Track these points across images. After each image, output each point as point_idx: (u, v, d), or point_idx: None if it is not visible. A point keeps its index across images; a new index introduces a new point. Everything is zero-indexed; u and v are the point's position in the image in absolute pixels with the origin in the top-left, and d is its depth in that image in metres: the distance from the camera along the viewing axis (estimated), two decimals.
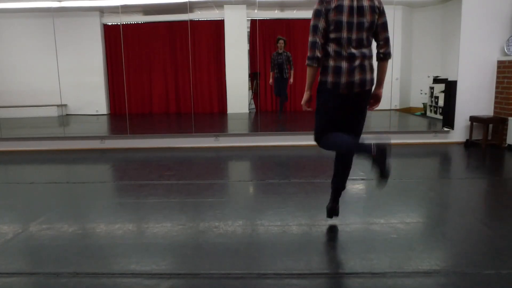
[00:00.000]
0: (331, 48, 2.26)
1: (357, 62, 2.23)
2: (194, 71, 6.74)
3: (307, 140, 5.56)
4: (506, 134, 5.20)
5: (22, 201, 3.44)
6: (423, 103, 6.71)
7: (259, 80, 6.98)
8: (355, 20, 2.20)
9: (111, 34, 6.96)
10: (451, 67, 5.71)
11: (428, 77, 6.55)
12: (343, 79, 2.24)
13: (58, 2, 5.93)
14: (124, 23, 6.76)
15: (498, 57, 5.42)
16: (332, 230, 2.63)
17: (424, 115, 6.67)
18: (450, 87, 5.66)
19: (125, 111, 6.24)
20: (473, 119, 5.45)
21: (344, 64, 2.23)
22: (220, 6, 6.76)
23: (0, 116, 6.26)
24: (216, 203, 3.20)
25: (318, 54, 2.27)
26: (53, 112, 6.67)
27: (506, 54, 5.33)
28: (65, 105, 6.72)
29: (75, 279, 2.06)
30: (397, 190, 3.51)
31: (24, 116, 6.70)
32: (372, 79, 2.32)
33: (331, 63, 2.26)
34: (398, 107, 6.56)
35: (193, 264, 2.21)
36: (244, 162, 5.07)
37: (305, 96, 2.43)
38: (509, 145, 5.12)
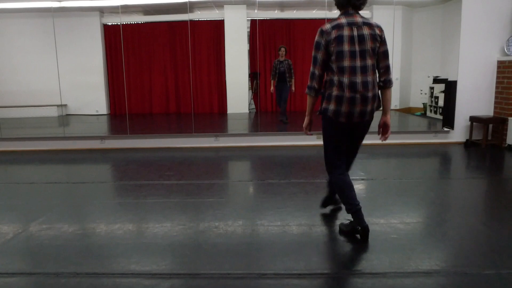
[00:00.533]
0: (335, 77, 2.29)
1: (360, 92, 2.26)
2: (194, 71, 6.74)
3: (307, 140, 5.56)
4: (506, 134, 5.20)
5: (22, 201, 3.44)
6: (423, 103, 6.71)
7: (259, 80, 6.99)
8: (357, 48, 2.24)
9: (111, 34, 6.96)
10: (451, 67, 5.71)
11: (428, 77, 6.55)
12: (344, 108, 2.29)
13: (58, 2, 5.93)
14: (124, 23, 6.76)
15: (498, 57, 5.42)
16: (332, 230, 2.63)
17: (424, 115, 6.67)
18: (450, 87, 5.66)
19: (125, 111, 6.24)
20: (473, 119, 5.45)
21: (346, 95, 2.26)
22: (220, 6, 6.76)
23: (0, 116, 6.27)
24: (216, 203, 3.20)
25: (315, 84, 2.36)
26: (53, 112, 6.67)
27: (506, 54, 5.33)
28: (65, 105, 6.72)
29: (75, 279, 2.06)
30: (397, 190, 3.51)
31: (24, 116, 6.71)
32: (372, 110, 2.35)
33: (335, 92, 2.30)
34: (398, 107, 6.56)
35: (193, 264, 2.21)
36: (244, 162, 5.07)
37: (306, 121, 2.58)
38: (509, 145, 5.12)
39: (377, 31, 2.27)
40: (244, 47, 6.77)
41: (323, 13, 5.84)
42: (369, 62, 2.26)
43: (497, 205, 3.17)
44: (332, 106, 2.32)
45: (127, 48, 6.81)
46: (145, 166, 4.64)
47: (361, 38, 2.24)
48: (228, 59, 6.83)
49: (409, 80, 6.72)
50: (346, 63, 2.24)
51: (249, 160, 5.06)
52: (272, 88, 6.73)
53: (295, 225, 2.73)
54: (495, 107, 5.51)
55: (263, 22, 6.82)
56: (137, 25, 7.22)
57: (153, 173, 4.28)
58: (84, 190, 3.71)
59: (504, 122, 5.22)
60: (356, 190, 3.53)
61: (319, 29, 2.29)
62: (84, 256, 2.32)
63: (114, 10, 6.60)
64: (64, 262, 2.25)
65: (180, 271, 2.14)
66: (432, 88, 6.45)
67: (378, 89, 2.37)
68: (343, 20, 2.27)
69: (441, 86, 6.11)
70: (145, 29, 7.25)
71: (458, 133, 5.65)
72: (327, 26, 2.28)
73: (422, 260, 2.18)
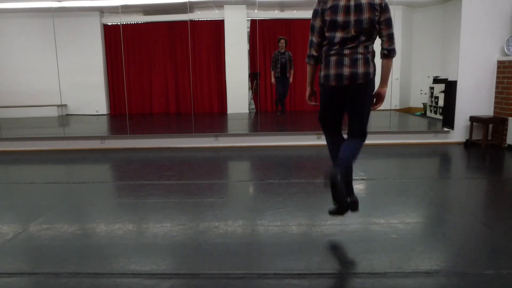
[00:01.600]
0: (326, 46, 2.33)
1: (347, 54, 2.25)
2: (194, 71, 6.74)
3: (307, 140, 5.56)
4: (506, 134, 5.20)
5: (22, 201, 3.44)
6: (423, 103, 6.71)
7: (259, 80, 6.98)
8: (352, 18, 2.22)
9: (111, 34, 6.96)
10: (451, 67, 5.71)
11: (428, 77, 6.55)
12: (332, 71, 2.29)
13: (58, 2, 5.93)
14: (124, 23, 6.76)
15: (498, 57, 5.42)
16: (332, 230, 2.63)
17: (424, 115, 6.67)
18: (450, 87, 5.66)
19: (125, 111, 6.24)
20: (473, 119, 5.45)
21: (333, 58, 2.29)
22: (220, 6, 6.76)
23: (0, 116, 6.26)
24: (216, 203, 3.20)
25: (313, 52, 2.38)
26: (53, 112, 6.67)
27: (506, 54, 5.33)
28: (65, 105, 6.72)
29: (75, 279, 2.06)
30: (397, 190, 3.51)
31: (24, 116, 6.70)
32: (366, 73, 2.27)
33: (323, 58, 2.36)
34: (398, 107, 6.56)
35: (193, 264, 2.21)
36: (244, 162, 5.07)
37: (307, 91, 2.58)
38: (509, 145, 5.12)
39: (377, 0, 2.23)
40: (244, 47, 6.77)
41: None
42: (364, 31, 2.24)
43: (497, 205, 3.17)
44: (322, 72, 2.36)
45: (127, 48, 6.81)
46: (145, 166, 4.64)
47: (358, 7, 2.22)
48: (228, 59, 6.83)
49: (409, 80, 6.71)
50: (338, 33, 2.26)
51: (249, 160, 5.06)
52: (272, 79, 6.71)
53: (295, 225, 2.73)
54: (495, 107, 5.50)
55: (263, 22, 6.82)
56: (137, 25, 7.22)
57: (153, 173, 4.28)
58: (84, 190, 3.71)
59: (504, 122, 5.22)
60: (356, 190, 3.54)
61: None
62: (84, 256, 2.32)
63: (114, 10, 6.59)
64: (64, 262, 2.25)
65: (180, 271, 2.14)
66: (432, 88, 6.45)
67: (381, 57, 2.35)
68: None
69: (441, 86, 6.11)
70: (145, 29, 7.25)
71: (458, 133, 5.65)
72: None
73: (422, 260, 2.18)
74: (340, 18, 2.23)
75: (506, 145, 5.19)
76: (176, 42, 7.11)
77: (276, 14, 7.07)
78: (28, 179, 4.15)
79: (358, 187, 3.61)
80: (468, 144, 5.48)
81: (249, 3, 6.49)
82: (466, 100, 5.52)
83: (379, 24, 2.28)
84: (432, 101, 6.48)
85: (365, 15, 2.22)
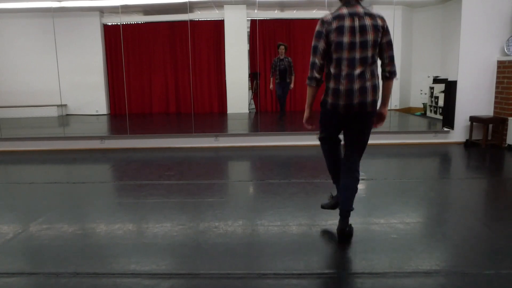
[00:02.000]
0: (332, 69, 2.27)
1: (357, 84, 2.23)
2: (194, 71, 6.74)
3: (307, 140, 5.56)
4: (506, 134, 5.20)
5: (22, 201, 3.44)
6: (423, 103, 6.71)
7: (259, 80, 6.99)
8: (357, 39, 2.20)
9: (111, 34, 6.96)
10: (451, 67, 5.71)
11: (428, 77, 6.55)
12: (341, 102, 2.26)
13: (58, 2, 5.93)
14: (124, 23, 6.76)
15: (498, 57, 5.42)
16: (332, 230, 2.62)
17: (424, 115, 6.67)
18: (450, 87, 5.66)
19: (125, 111, 6.24)
20: (473, 119, 5.45)
21: (342, 87, 2.23)
22: (220, 6, 6.76)
23: (0, 116, 6.26)
24: (216, 203, 3.20)
25: (316, 74, 2.30)
26: (53, 112, 6.67)
27: (506, 54, 5.33)
28: (65, 105, 6.72)
29: (75, 279, 2.06)
30: (397, 190, 3.51)
31: (24, 116, 6.70)
32: (374, 101, 2.28)
33: (331, 85, 2.28)
34: (398, 107, 6.56)
35: (193, 264, 2.21)
36: (244, 162, 5.07)
37: (306, 114, 2.49)
38: (509, 145, 5.12)
39: (379, 22, 2.22)
40: (244, 47, 6.77)
41: (323, 13, 5.84)
42: (369, 53, 2.22)
43: (497, 205, 3.17)
44: (330, 99, 2.30)
45: (127, 48, 6.81)
46: (145, 166, 4.64)
47: (363, 28, 2.20)
48: (228, 59, 6.83)
49: (409, 80, 6.72)
50: (345, 54, 2.21)
51: (249, 160, 5.06)
52: (271, 86, 6.72)
53: (295, 225, 2.73)
54: (495, 107, 5.50)
55: (263, 22, 6.82)
56: (137, 25, 7.22)
57: (153, 173, 4.28)
58: (84, 190, 3.71)
59: (504, 122, 5.22)
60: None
61: (320, 19, 2.27)
62: (84, 256, 2.32)
63: (114, 10, 6.60)
64: (64, 262, 2.25)
65: (180, 271, 2.14)
66: (432, 88, 6.45)
67: (382, 79, 2.35)
68: (345, 11, 2.23)
69: (441, 86, 6.11)
70: (145, 29, 7.25)
71: (458, 133, 5.65)
72: (328, 16, 2.25)
73: (422, 260, 2.18)
74: (346, 39, 2.20)
75: (506, 145, 5.19)
76: (176, 42, 7.11)
77: (276, 14, 7.07)
78: (28, 179, 4.15)
79: (358, 187, 3.61)
80: (468, 144, 5.48)
81: (249, 3, 6.49)
82: (466, 100, 5.52)
83: (381, 46, 2.26)
84: (432, 101, 6.48)
85: (370, 37, 2.21)
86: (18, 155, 5.48)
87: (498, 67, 5.43)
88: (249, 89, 6.95)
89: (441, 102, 6.13)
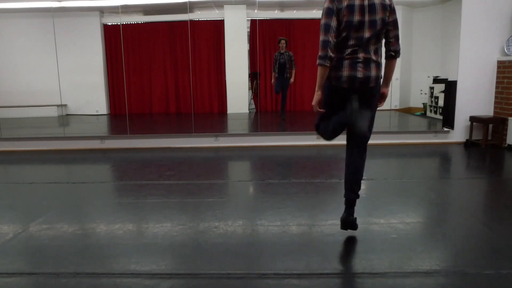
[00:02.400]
0: (338, 46, 2.25)
1: (361, 59, 2.22)
2: (194, 71, 6.74)
3: (307, 140, 5.56)
4: (506, 134, 5.20)
5: (22, 201, 3.44)
6: (423, 103, 6.71)
7: (259, 80, 6.99)
8: (366, 18, 2.19)
9: (111, 34, 6.96)
10: (451, 67, 5.71)
11: (428, 77, 6.55)
12: (345, 73, 2.23)
13: (58, 2, 5.93)
14: (124, 23, 6.76)
15: (498, 57, 5.42)
16: (332, 230, 2.62)
17: (424, 115, 6.67)
18: (450, 87, 5.66)
19: (125, 111, 6.24)
20: (473, 119, 5.45)
21: (347, 61, 2.22)
22: (220, 6, 6.76)
23: (0, 116, 6.26)
24: (216, 203, 3.20)
25: (330, 53, 2.21)
26: (53, 112, 6.67)
27: (506, 54, 5.33)
28: (65, 105, 6.72)
29: (75, 279, 2.06)
30: (397, 190, 3.51)
31: (24, 116, 6.70)
32: (377, 77, 2.28)
33: (335, 60, 2.25)
34: (398, 107, 6.56)
35: (193, 264, 2.21)
36: (244, 162, 5.07)
37: (316, 96, 2.33)
38: (509, 145, 5.12)
39: (387, 1, 2.22)
40: (244, 47, 6.77)
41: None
42: (377, 32, 2.22)
43: (497, 205, 3.17)
44: (334, 73, 2.26)
45: (127, 48, 6.81)
46: (145, 166, 4.64)
47: (372, 7, 2.18)
48: (228, 59, 6.83)
49: (409, 80, 6.72)
50: (353, 33, 2.20)
51: (249, 160, 5.06)
52: (272, 80, 6.70)
53: (295, 225, 2.73)
54: (495, 107, 5.50)
55: (263, 22, 6.82)
56: (137, 25, 7.22)
57: (153, 173, 4.28)
58: (84, 190, 3.71)
59: (504, 122, 5.22)
60: None
61: None
62: (84, 256, 2.32)
63: (114, 10, 6.60)
64: (64, 262, 2.25)
65: (180, 271, 2.14)
66: (432, 88, 6.45)
67: (386, 58, 2.35)
68: None
69: (441, 86, 6.11)
70: (145, 29, 7.25)
71: (458, 133, 5.65)
72: None
73: (422, 260, 2.18)
74: (356, 18, 2.18)
75: (506, 145, 5.19)
76: (176, 42, 7.11)
77: (276, 14, 7.07)
78: (28, 179, 4.15)
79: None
80: (468, 144, 5.48)
81: (249, 3, 6.49)
82: (466, 100, 5.52)
83: (387, 25, 2.26)
84: (432, 101, 6.48)
85: (378, 16, 2.20)
86: (18, 155, 5.48)
87: (498, 67, 5.43)
88: (249, 89, 6.95)
89: (441, 102, 6.13)
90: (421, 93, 6.71)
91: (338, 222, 2.74)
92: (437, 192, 3.48)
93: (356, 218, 2.47)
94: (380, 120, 6.28)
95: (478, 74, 5.49)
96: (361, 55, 2.23)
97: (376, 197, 3.31)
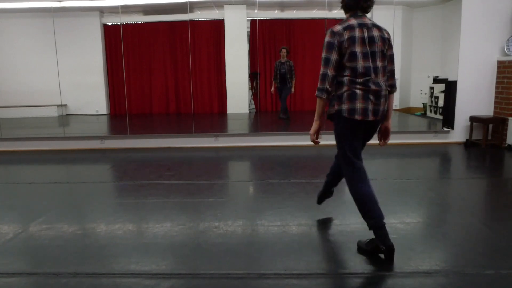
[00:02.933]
0: (347, 77, 2.23)
1: (374, 89, 2.22)
2: (194, 71, 6.74)
3: (307, 140, 5.54)
4: (506, 134, 5.20)
5: (22, 201, 3.44)
6: (423, 103, 6.71)
7: (259, 80, 6.99)
8: (368, 49, 2.22)
9: (111, 34, 6.96)
10: (451, 67, 5.71)
11: (428, 77, 6.55)
12: (359, 105, 2.21)
13: (58, 2, 5.93)
14: (124, 23, 6.76)
15: (498, 57, 5.42)
16: (332, 230, 2.63)
17: (424, 115, 6.67)
18: (450, 87, 5.66)
19: (125, 111, 6.24)
20: (473, 119, 5.45)
21: (359, 91, 2.20)
22: (220, 6, 6.76)
23: (0, 116, 6.27)
24: (216, 203, 3.20)
25: (328, 86, 2.22)
26: (53, 112, 6.67)
27: (506, 54, 5.33)
28: (65, 105, 6.72)
29: (75, 279, 2.06)
30: (397, 190, 3.51)
31: (24, 116, 6.70)
32: (384, 110, 2.31)
33: (347, 91, 2.22)
34: (398, 107, 6.56)
35: (193, 264, 2.21)
36: (244, 162, 5.07)
37: (314, 125, 2.36)
38: (509, 145, 5.12)
39: (386, 34, 2.28)
40: (244, 47, 6.77)
41: (323, 13, 5.84)
42: (379, 63, 2.25)
43: (497, 205, 3.17)
44: (345, 106, 2.22)
45: (127, 48, 6.81)
46: (145, 166, 4.64)
47: (371, 39, 2.22)
48: (228, 59, 6.83)
49: (409, 80, 6.72)
50: (360, 63, 2.20)
51: (249, 160, 5.06)
52: (272, 89, 6.74)
53: (295, 225, 2.73)
54: (495, 107, 5.51)
55: (263, 22, 6.82)
56: (137, 25, 7.22)
57: (153, 173, 4.29)
58: (84, 190, 3.71)
59: (504, 122, 5.22)
60: None
61: (329, 30, 2.24)
62: (84, 256, 2.32)
63: (114, 10, 6.60)
64: (64, 262, 2.25)
65: (180, 271, 2.14)
66: (432, 88, 6.45)
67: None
68: (354, 22, 2.24)
69: (441, 86, 6.11)
70: (145, 29, 7.25)
71: (458, 133, 5.65)
72: (338, 27, 2.23)
73: (422, 260, 2.18)
74: (358, 49, 2.20)
75: (506, 145, 5.19)
76: (176, 42, 7.11)
77: (276, 14, 7.07)
78: (28, 179, 4.15)
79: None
80: (468, 144, 5.48)
81: (249, 3, 6.49)
82: (466, 100, 5.52)
83: (386, 58, 2.29)
84: (432, 101, 6.48)
85: (378, 48, 2.24)
86: (18, 155, 5.48)
87: (498, 67, 5.43)
88: (249, 89, 6.95)
89: (441, 102, 6.13)
90: (421, 93, 6.71)
91: (338, 222, 2.75)
92: (437, 192, 3.48)
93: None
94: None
95: (478, 74, 5.49)
96: (371, 88, 2.22)
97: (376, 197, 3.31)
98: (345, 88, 2.23)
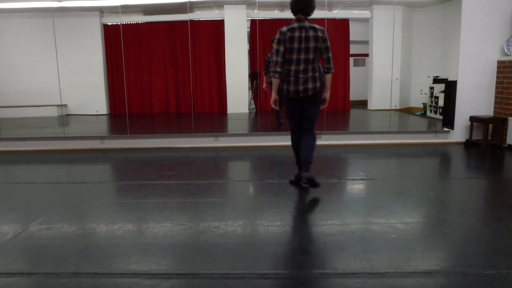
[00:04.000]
0: (287, 66, 3.21)
1: (301, 76, 3.18)
2: (194, 71, 6.74)
3: None
4: (506, 134, 5.20)
5: (22, 201, 3.45)
6: (423, 103, 6.71)
7: (259, 80, 6.98)
8: (303, 45, 3.14)
9: (111, 34, 6.96)
10: (451, 67, 5.71)
11: (428, 77, 6.55)
12: (291, 87, 3.23)
13: (58, 2, 5.93)
14: (124, 23, 6.76)
15: (498, 57, 5.42)
16: (332, 230, 2.63)
17: (424, 115, 6.67)
18: (450, 87, 5.66)
19: (125, 111, 6.24)
20: (473, 119, 5.45)
21: (292, 78, 3.21)
22: (220, 6, 6.76)
23: (0, 116, 6.27)
24: (216, 203, 3.20)
25: (278, 69, 3.20)
26: (53, 112, 6.67)
27: (506, 54, 5.33)
28: (65, 105, 6.72)
29: (75, 279, 2.06)
30: (397, 190, 3.51)
31: (24, 116, 6.70)
32: (314, 87, 3.20)
33: (286, 77, 3.23)
34: (398, 107, 6.56)
35: (193, 264, 2.21)
36: (244, 162, 5.07)
37: (273, 97, 3.32)
38: (509, 145, 5.12)
39: (319, 33, 3.14)
40: (244, 47, 6.77)
41: (323, 13, 5.85)
42: (310, 55, 3.16)
43: (497, 205, 3.17)
44: (285, 87, 3.25)
45: (127, 48, 6.81)
46: (145, 166, 4.64)
47: (307, 38, 3.13)
48: (228, 59, 6.83)
49: (409, 80, 6.72)
50: (294, 56, 3.17)
51: (249, 160, 5.06)
52: (265, 85, 6.33)
53: (295, 225, 2.73)
54: (495, 107, 5.51)
55: (263, 22, 6.82)
56: (137, 25, 7.22)
57: (153, 173, 4.29)
58: (84, 190, 3.71)
59: (504, 122, 5.23)
60: (356, 190, 3.55)
61: (279, 30, 3.18)
62: (84, 256, 2.32)
63: (114, 10, 6.60)
64: (64, 262, 2.25)
65: (180, 271, 2.14)
66: (432, 88, 6.45)
67: (324, 73, 3.24)
68: (295, 25, 3.15)
69: (441, 86, 6.11)
70: (145, 29, 7.25)
71: (458, 133, 5.65)
72: (284, 28, 3.16)
73: (422, 260, 2.18)
74: (295, 45, 3.14)
75: (506, 145, 5.19)
76: (176, 42, 7.11)
77: (276, 14, 7.07)
78: (28, 179, 4.15)
79: (358, 187, 3.62)
80: (468, 144, 5.48)
81: (249, 3, 6.49)
82: (466, 100, 5.52)
83: (321, 50, 3.19)
84: (432, 101, 6.48)
85: (311, 44, 3.14)
86: (18, 155, 5.48)
87: (498, 67, 5.43)
88: (249, 89, 6.95)
89: (441, 102, 6.13)
90: (421, 93, 6.72)
91: (338, 222, 2.74)
92: (437, 192, 3.48)
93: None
94: (380, 120, 6.31)
95: (478, 74, 5.49)
96: (301, 75, 3.19)
97: (376, 197, 3.31)
98: (285, 75, 3.23)
